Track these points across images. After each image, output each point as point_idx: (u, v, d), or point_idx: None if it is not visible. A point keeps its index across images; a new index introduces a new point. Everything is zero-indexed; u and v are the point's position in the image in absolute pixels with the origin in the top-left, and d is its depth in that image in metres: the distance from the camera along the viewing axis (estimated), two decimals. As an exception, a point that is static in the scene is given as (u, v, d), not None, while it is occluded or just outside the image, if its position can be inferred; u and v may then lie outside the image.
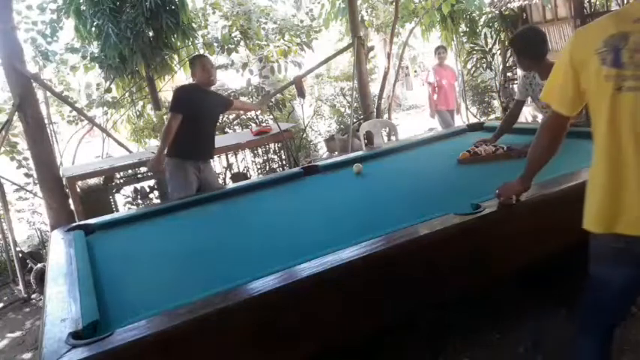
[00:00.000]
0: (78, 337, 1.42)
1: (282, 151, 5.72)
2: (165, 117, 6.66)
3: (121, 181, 4.87)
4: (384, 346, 2.42)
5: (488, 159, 2.88)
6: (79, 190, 4.32)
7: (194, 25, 7.05)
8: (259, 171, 6.00)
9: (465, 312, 2.58)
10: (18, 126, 5.21)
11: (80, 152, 6.80)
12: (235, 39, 7.63)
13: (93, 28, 6.46)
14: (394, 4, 7.66)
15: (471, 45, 8.84)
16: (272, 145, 5.76)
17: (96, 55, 6.84)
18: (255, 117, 7.23)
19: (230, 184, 4.59)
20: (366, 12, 10.09)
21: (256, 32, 7.79)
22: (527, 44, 2.91)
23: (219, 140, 5.40)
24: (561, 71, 1.52)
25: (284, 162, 5.68)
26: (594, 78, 1.42)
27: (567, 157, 2.33)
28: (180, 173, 3.54)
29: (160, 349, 1.41)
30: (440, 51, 6.65)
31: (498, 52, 8.65)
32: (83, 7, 6.38)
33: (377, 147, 4.50)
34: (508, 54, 9.32)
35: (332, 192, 2.93)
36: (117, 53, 6.40)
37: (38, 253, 4.87)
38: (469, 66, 9.00)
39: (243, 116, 7.03)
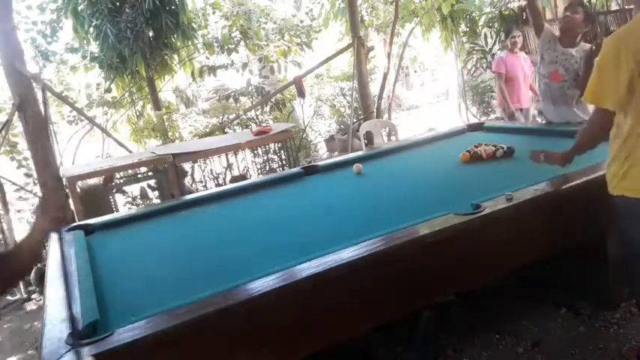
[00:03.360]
0: (78, 337, 1.42)
1: (282, 151, 5.72)
2: (164, 117, 6.67)
3: (121, 181, 4.87)
4: (383, 347, 2.42)
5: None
6: (79, 190, 4.32)
7: (194, 25, 7.05)
8: (259, 171, 6.00)
9: (465, 312, 2.58)
10: (18, 126, 5.21)
11: (80, 152, 6.80)
12: (235, 39, 7.64)
13: (91, 29, 6.46)
14: (394, 4, 7.66)
15: (471, 45, 8.83)
16: (272, 145, 5.76)
17: (96, 55, 6.84)
18: (255, 117, 7.23)
19: (229, 185, 4.59)
20: (366, 12, 10.07)
21: (256, 32, 7.79)
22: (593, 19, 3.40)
23: (220, 140, 5.41)
24: (611, 76, 1.75)
25: (284, 162, 5.68)
26: None
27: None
28: None
29: (160, 348, 1.41)
30: (514, 34, 5.42)
31: (498, 52, 8.63)
32: (81, 7, 6.37)
33: (377, 147, 4.50)
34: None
35: (332, 192, 2.93)
36: (116, 54, 6.40)
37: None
38: (469, 66, 8.99)
39: (243, 116, 7.03)
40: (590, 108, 2.96)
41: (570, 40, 3.26)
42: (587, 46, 3.28)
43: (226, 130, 6.74)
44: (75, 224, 2.82)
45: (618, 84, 1.74)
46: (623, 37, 1.78)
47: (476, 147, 2.99)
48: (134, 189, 5.22)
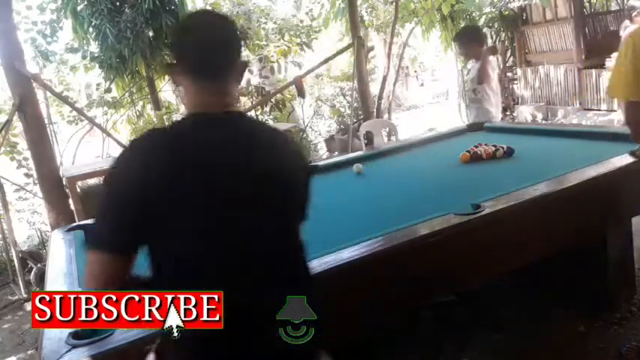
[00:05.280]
0: (78, 337, 1.41)
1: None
2: (165, 117, 6.67)
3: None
4: (384, 347, 2.42)
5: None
6: (79, 190, 4.31)
7: (194, 25, 7.04)
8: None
9: (465, 312, 2.58)
10: (18, 126, 5.20)
11: (80, 152, 6.80)
12: (235, 39, 7.62)
13: (90, 29, 6.45)
14: (394, 4, 7.67)
15: (471, 45, 8.84)
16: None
17: (95, 55, 6.84)
18: (255, 117, 7.23)
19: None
20: (366, 12, 10.08)
21: (256, 32, 7.80)
22: (479, 34, 3.97)
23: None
24: (628, 71, 1.84)
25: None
26: None
27: (567, 157, 2.33)
28: None
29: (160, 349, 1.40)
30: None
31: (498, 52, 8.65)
32: (80, 7, 6.37)
33: (377, 147, 4.50)
34: (508, 54, 9.30)
35: (332, 192, 2.92)
36: (115, 54, 6.39)
37: (38, 253, 4.86)
38: (469, 66, 8.99)
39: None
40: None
41: (476, 57, 3.92)
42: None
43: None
44: (75, 224, 2.82)
45: (625, 76, 1.85)
46: (634, 34, 1.91)
47: (476, 147, 2.99)
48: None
